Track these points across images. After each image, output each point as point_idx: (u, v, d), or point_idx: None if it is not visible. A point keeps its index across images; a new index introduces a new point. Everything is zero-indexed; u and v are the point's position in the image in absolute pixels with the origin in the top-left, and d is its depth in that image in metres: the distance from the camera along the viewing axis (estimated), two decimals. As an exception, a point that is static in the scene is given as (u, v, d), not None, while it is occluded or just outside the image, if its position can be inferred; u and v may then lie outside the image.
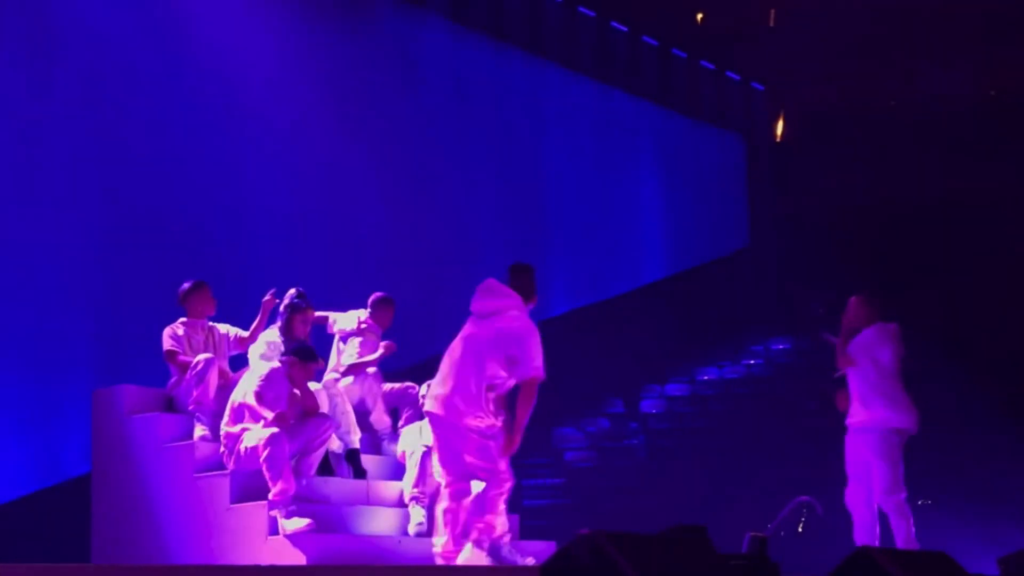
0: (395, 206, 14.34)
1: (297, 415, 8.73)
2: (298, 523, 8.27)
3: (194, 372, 9.02)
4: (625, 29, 19.29)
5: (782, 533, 9.64)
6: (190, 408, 9.03)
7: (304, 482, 8.65)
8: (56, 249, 11.78)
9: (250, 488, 8.59)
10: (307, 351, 8.81)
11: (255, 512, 8.46)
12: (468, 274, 16.61)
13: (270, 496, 8.35)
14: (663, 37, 19.76)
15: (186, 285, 9.39)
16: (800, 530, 9.56)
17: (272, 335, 9.26)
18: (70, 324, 11.78)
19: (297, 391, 8.74)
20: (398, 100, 15.39)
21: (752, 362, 19.19)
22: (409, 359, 13.34)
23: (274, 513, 8.35)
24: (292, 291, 9.30)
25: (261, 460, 8.36)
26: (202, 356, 9.10)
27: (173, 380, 9.29)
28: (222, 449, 8.71)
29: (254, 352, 9.25)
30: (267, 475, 8.35)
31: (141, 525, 8.95)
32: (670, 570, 6.23)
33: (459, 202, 15.95)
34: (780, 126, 21.18)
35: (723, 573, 6.46)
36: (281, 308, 9.27)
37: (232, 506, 8.59)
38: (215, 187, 13.13)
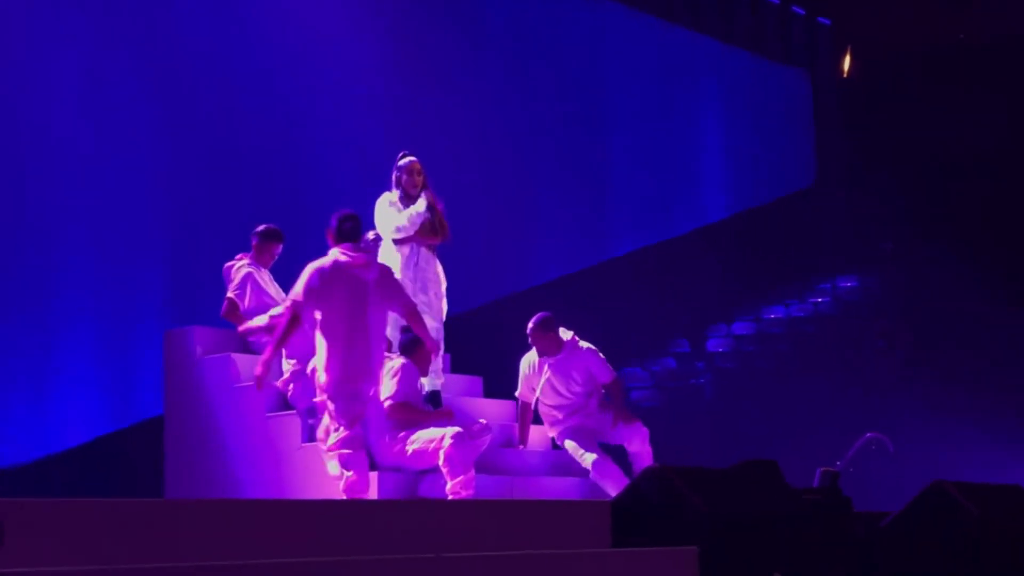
0: (456, 151, 14.30)
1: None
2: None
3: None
4: (687, -36, 19.06)
5: (851, 469, 9.61)
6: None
7: None
8: (128, 191, 11.86)
9: (321, 427, 8.67)
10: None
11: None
12: (530, 218, 16.66)
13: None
14: (726, -28, 19.52)
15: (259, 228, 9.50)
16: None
17: (391, 196, 9.28)
18: (143, 265, 11.88)
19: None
20: (458, 42, 15.30)
21: (819, 300, 19.06)
22: (472, 304, 13.36)
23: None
24: (399, 156, 9.37)
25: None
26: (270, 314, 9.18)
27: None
28: (290, 387, 8.82)
29: (378, 216, 9.24)
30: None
31: (213, 464, 9.05)
32: (741, 503, 6.22)
33: (520, 144, 15.88)
34: (847, 62, 20.87)
35: (796, 506, 6.44)
36: (394, 176, 9.29)
37: (303, 445, 8.66)
38: (283, 132, 13.17)
